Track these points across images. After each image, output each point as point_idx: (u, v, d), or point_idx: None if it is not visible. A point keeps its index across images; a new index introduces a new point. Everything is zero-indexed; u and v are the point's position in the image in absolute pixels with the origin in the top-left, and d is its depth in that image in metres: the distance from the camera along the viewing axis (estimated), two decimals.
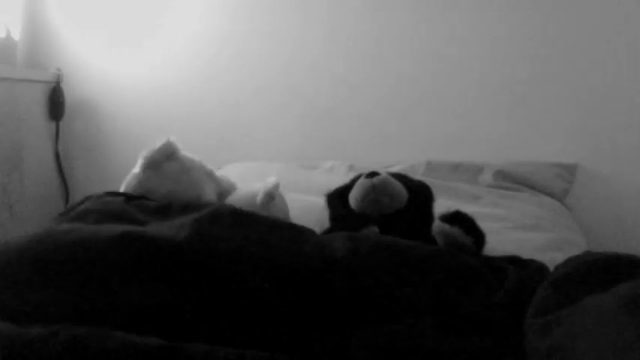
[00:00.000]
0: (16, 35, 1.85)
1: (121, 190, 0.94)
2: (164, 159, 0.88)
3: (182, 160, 0.91)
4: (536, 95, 1.70)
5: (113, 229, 0.69)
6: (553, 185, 1.60)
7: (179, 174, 0.89)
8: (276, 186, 0.96)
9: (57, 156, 1.94)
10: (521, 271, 0.74)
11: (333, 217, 1.01)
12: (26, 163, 1.76)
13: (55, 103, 1.89)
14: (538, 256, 0.94)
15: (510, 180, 1.59)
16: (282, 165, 1.69)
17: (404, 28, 1.76)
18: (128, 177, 0.93)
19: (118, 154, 1.96)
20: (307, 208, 1.14)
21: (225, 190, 0.99)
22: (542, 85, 1.70)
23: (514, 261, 0.81)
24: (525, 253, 0.87)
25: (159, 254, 0.65)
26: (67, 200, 1.97)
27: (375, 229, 0.92)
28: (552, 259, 0.71)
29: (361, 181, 0.97)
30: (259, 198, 0.92)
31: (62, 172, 1.95)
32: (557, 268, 0.66)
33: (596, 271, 0.59)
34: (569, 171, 1.66)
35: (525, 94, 1.71)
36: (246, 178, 1.32)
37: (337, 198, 1.03)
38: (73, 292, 0.62)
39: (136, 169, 0.91)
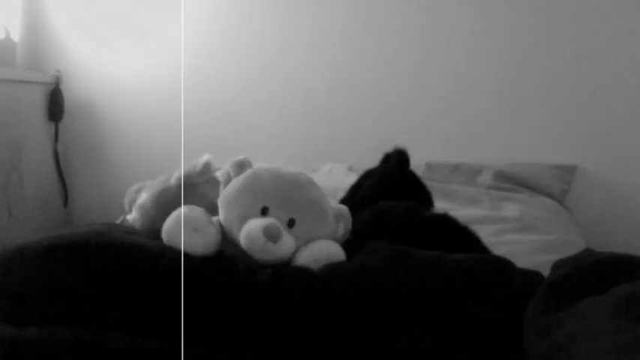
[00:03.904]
0: (16, 37, 1.85)
1: (141, 197, 0.91)
2: (201, 180, 0.88)
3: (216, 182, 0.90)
4: (536, 96, 1.71)
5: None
6: (552, 186, 1.60)
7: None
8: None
9: (56, 157, 1.94)
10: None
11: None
12: (25, 164, 1.75)
13: (55, 104, 1.89)
14: (537, 258, 0.95)
15: (509, 181, 1.59)
16: None
17: (404, 30, 1.76)
18: (156, 185, 0.90)
19: (118, 156, 1.96)
20: None
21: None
22: (542, 86, 1.70)
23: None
24: (524, 255, 0.87)
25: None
26: (65, 202, 1.97)
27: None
28: (551, 260, 0.71)
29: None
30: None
31: (61, 173, 1.95)
32: (557, 268, 0.66)
33: (596, 272, 0.59)
34: (568, 172, 1.66)
35: (524, 95, 1.71)
36: None
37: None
38: None
39: (172, 181, 0.89)
